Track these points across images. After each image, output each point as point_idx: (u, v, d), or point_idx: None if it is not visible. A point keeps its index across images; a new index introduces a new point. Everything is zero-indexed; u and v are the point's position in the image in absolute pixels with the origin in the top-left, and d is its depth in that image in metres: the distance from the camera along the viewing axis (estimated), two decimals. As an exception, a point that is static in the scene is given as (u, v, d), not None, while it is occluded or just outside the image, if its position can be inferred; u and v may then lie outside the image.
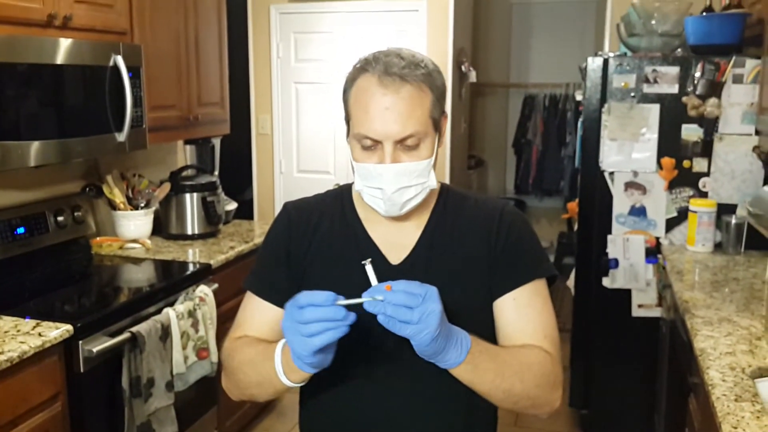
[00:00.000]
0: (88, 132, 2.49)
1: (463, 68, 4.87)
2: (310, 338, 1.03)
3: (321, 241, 1.30)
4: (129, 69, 2.59)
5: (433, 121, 1.20)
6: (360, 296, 1.07)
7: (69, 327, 2.10)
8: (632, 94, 3.11)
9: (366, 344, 1.24)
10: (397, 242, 1.27)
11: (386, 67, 1.16)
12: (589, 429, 3.39)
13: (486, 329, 1.25)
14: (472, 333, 1.15)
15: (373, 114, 1.16)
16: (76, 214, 2.87)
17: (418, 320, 1.03)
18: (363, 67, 1.20)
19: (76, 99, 2.47)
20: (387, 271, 1.22)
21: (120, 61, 2.56)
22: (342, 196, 1.35)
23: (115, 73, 2.56)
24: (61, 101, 2.40)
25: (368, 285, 1.12)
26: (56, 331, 2.06)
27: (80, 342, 2.14)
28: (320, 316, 1.02)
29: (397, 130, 1.16)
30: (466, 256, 1.27)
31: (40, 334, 2.03)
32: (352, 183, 1.34)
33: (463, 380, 1.16)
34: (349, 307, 1.05)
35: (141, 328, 2.32)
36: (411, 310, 1.03)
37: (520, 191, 6.37)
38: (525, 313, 1.24)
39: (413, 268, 1.25)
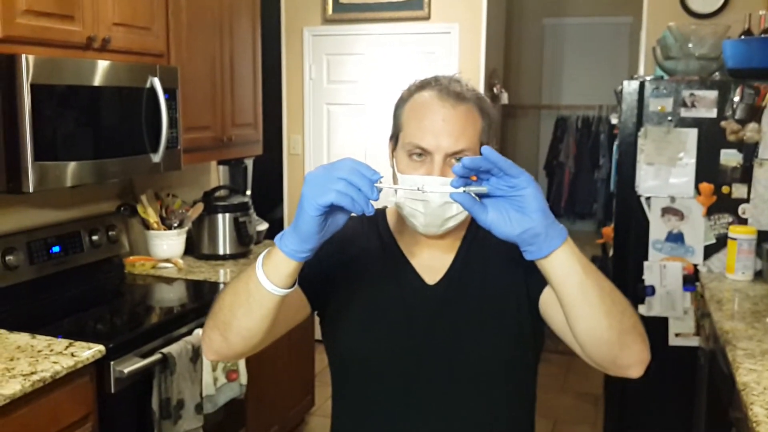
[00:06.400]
0: (123, 153, 2.52)
1: (494, 90, 4.85)
2: (331, 186, 0.98)
3: (356, 256, 1.29)
4: (165, 90, 2.62)
5: (481, 145, 1.19)
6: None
7: (101, 347, 2.11)
8: (669, 118, 3.06)
9: (403, 368, 1.23)
10: (431, 264, 1.27)
11: (445, 86, 1.22)
12: (624, 460, 3.31)
13: (529, 348, 1.24)
14: (515, 350, 1.16)
15: (428, 125, 1.19)
16: (110, 233, 2.90)
17: (529, 177, 1.02)
18: (421, 85, 1.25)
19: (113, 120, 2.50)
20: (423, 291, 1.26)
21: (156, 83, 2.59)
22: (377, 219, 1.35)
23: (152, 94, 2.59)
24: (98, 122, 2.43)
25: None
26: (89, 351, 2.06)
27: (112, 362, 2.14)
28: (355, 180, 0.99)
29: (450, 143, 1.17)
30: (499, 272, 1.25)
31: (72, 354, 2.03)
32: (385, 207, 1.33)
33: (570, 266, 1.04)
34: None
35: (172, 349, 2.32)
36: (516, 167, 1.02)
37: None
38: None
39: (449, 288, 1.25)
